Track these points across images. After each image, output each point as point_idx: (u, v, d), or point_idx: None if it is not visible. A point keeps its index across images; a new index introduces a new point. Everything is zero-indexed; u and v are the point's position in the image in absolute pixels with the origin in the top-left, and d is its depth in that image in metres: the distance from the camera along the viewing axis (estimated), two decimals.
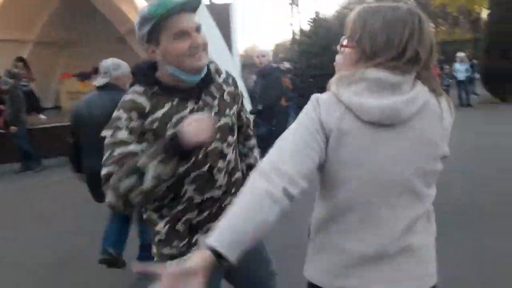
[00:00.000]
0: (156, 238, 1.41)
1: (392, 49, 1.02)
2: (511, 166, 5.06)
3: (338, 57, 1.14)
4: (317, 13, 16.42)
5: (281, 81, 5.09)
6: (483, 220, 3.56)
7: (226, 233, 0.92)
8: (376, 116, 1.00)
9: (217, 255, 0.88)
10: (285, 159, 0.98)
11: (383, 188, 1.04)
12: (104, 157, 1.26)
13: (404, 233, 1.05)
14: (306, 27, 17.25)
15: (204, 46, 1.32)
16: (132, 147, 1.26)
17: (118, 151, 1.25)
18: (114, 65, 2.88)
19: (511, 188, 4.28)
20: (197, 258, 0.88)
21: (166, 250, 1.40)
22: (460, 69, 11.70)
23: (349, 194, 1.04)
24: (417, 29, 1.03)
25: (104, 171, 1.24)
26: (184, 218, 1.38)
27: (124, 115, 1.29)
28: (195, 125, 1.18)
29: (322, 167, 1.05)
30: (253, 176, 0.98)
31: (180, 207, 1.37)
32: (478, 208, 3.84)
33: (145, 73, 1.36)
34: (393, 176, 1.03)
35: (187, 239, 1.39)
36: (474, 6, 23.37)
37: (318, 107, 1.03)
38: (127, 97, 1.33)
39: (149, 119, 1.30)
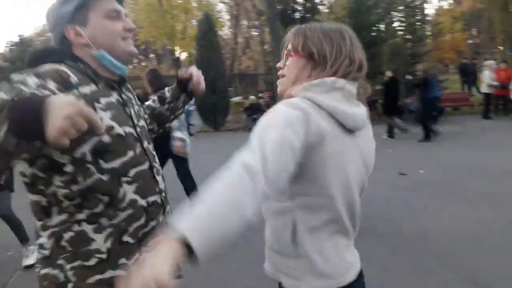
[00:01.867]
0: (84, 262, 1.06)
1: (341, 56, 1.10)
2: None
3: (281, 72, 1.19)
4: (21, 36, 14.52)
5: None
6: None
7: (203, 220, 0.77)
8: (356, 123, 1.09)
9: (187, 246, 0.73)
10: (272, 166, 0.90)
11: (353, 191, 1.12)
12: None
13: None
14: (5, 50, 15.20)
15: (134, 33, 1.22)
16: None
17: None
18: None
19: None
20: (165, 254, 0.71)
21: (109, 274, 1.07)
22: None
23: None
24: (354, 39, 1.14)
25: None
26: (131, 228, 1.12)
27: (34, 80, 0.97)
28: (76, 107, 0.82)
29: (300, 173, 1.02)
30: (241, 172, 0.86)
31: (124, 214, 1.10)
32: None
33: (61, 51, 1.14)
34: (357, 179, 1.14)
35: (136, 255, 1.07)
36: (175, 46, 26.46)
37: (306, 112, 0.99)
38: (44, 67, 1.05)
39: (76, 92, 1.05)
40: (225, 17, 31.21)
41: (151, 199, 1.19)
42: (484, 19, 28.30)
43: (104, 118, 1.09)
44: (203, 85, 1.51)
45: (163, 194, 1.26)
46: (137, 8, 26.52)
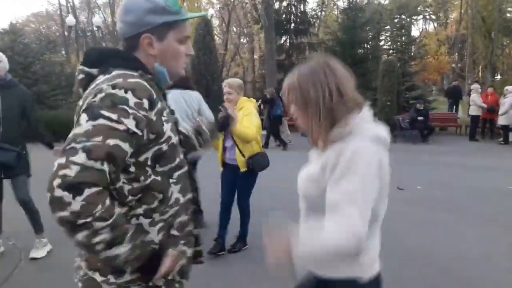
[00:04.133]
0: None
1: (338, 97, 1.25)
2: None
3: (294, 116, 1.36)
4: (12, 24, 14.13)
5: None
6: None
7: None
8: (387, 142, 1.29)
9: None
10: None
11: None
12: (84, 138, 1.01)
13: None
14: None
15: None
16: (127, 147, 1.07)
17: (112, 142, 1.03)
18: None
19: None
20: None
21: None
22: None
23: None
24: (335, 70, 1.28)
25: (80, 157, 0.98)
26: (177, 223, 1.28)
27: (133, 99, 1.07)
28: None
29: None
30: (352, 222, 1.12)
31: (171, 211, 1.26)
32: None
33: (131, 57, 1.21)
34: (387, 189, 1.31)
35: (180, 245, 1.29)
36: None
37: (378, 151, 1.23)
38: (130, 79, 1.11)
39: (155, 109, 1.16)
40: (215, 23, 31.30)
41: (188, 196, 1.34)
42: (467, 44, 29.25)
43: (167, 129, 1.20)
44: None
45: (196, 192, 1.43)
46: None
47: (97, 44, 38.29)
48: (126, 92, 1.08)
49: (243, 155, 3.66)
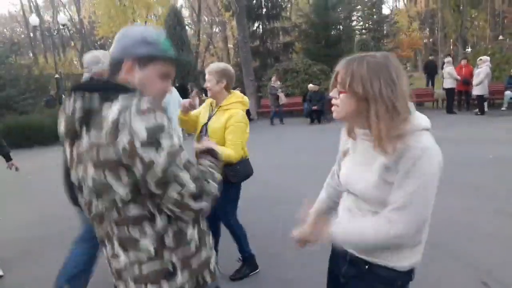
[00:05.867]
0: (186, 251, 1.29)
1: (391, 93, 1.23)
2: None
3: (334, 101, 1.35)
4: None
5: None
6: None
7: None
8: None
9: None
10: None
11: None
12: (182, 166, 1.16)
13: None
14: None
15: None
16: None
17: (186, 156, 1.20)
18: (94, 59, 2.65)
19: None
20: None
21: (204, 255, 1.35)
22: None
23: None
24: (398, 69, 1.27)
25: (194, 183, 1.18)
26: (201, 218, 1.38)
27: (166, 121, 1.16)
28: None
29: None
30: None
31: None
32: None
33: (129, 88, 1.24)
34: None
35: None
36: None
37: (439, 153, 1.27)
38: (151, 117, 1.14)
39: None
40: (185, 13, 30.72)
41: None
42: (437, 19, 29.60)
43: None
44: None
45: None
46: (95, 2, 25.53)
47: (65, 43, 37.18)
48: (162, 117, 1.18)
49: None
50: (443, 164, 1.26)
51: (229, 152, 2.76)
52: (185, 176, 1.15)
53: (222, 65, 3.02)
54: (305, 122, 13.51)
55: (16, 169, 3.92)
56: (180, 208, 1.17)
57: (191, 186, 1.16)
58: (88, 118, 1.15)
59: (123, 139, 1.08)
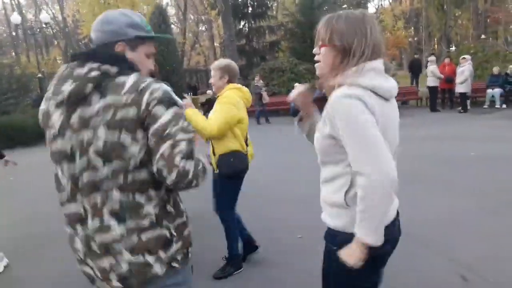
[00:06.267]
0: (180, 219, 1.40)
1: (365, 43, 1.32)
2: None
3: (317, 57, 1.43)
4: None
5: None
6: None
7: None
8: (390, 92, 1.38)
9: None
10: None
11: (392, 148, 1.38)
12: (181, 128, 1.25)
13: None
14: None
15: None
16: None
17: (186, 122, 1.31)
18: None
19: None
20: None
21: (190, 227, 1.44)
22: None
23: None
24: (373, 24, 1.36)
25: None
26: (172, 199, 1.39)
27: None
28: None
29: None
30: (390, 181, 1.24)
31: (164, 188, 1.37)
32: None
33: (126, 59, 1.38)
34: (395, 140, 1.43)
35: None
36: None
37: (364, 100, 1.27)
38: (164, 84, 1.32)
39: None
40: (171, 11, 30.50)
41: None
42: (422, 18, 29.95)
43: None
44: None
45: None
46: (79, 0, 25.14)
47: (48, 42, 36.54)
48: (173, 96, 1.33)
49: (214, 153, 3.03)
50: (365, 107, 1.27)
51: (205, 124, 2.81)
52: (182, 136, 1.23)
53: (225, 61, 3.14)
54: (291, 121, 13.50)
55: (14, 163, 3.74)
56: (168, 164, 1.20)
57: (184, 145, 1.23)
58: (102, 81, 1.25)
59: (145, 99, 1.21)
